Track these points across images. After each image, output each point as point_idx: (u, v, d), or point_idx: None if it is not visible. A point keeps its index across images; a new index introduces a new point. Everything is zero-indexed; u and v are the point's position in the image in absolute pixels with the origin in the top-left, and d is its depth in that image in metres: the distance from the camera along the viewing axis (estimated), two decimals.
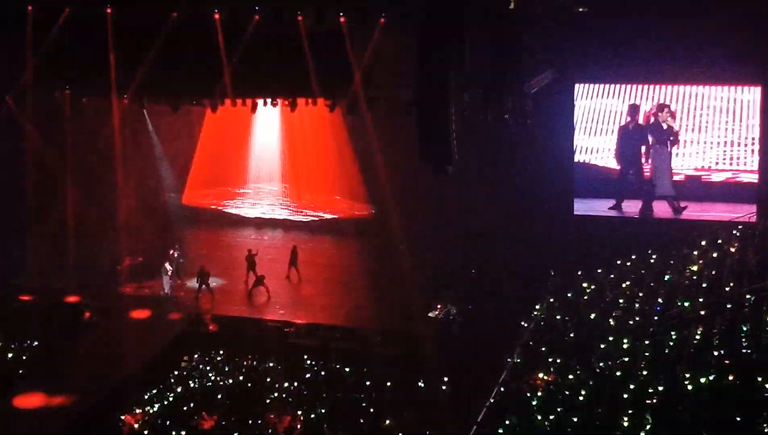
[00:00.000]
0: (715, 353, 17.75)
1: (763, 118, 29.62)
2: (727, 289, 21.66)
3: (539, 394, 19.34)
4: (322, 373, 25.68)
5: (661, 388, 16.82)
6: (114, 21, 28.93)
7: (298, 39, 28.25)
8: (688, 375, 16.86)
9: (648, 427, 15.54)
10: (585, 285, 26.40)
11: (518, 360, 22.58)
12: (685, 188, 31.29)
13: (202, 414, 23.05)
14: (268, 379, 25.26)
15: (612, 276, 26.90)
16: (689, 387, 16.27)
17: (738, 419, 14.59)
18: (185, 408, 23.76)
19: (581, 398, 18.17)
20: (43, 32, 29.55)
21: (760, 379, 15.54)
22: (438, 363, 25.29)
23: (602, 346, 20.68)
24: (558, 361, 20.86)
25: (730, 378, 16.04)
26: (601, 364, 19.60)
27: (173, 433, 22.41)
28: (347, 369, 25.67)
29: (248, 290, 31.75)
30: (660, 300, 22.97)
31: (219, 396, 24.23)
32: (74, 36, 29.43)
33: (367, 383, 24.61)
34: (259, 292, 31.35)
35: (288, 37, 28.27)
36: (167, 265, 31.65)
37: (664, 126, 30.72)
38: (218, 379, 25.57)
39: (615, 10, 28.54)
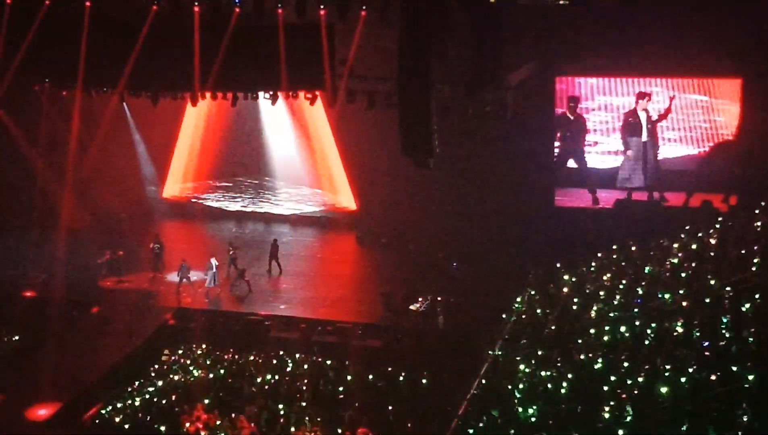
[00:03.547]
0: (696, 345, 17.83)
1: (743, 109, 29.77)
2: (711, 282, 21.71)
3: (520, 386, 19.37)
4: (304, 366, 25.67)
5: (641, 380, 16.88)
6: (93, 14, 28.77)
7: (279, 32, 28.19)
8: (668, 367, 16.91)
9: (628, 419, 15.59)
10: (566, 277, 26.44)
11: (499, 353, 22.60)
12: None
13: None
14: (249, 373, 25.25)
15: (593, 268, 26.96)
16: (669, 379, 16.32)
17: (717, 411, 14.64)
18: (165, 402, 23.73)
19: (562, 391, 18.21)
20: (22, 25, 29.34)
21: (735, 368, 15.60)
22: (419, 356, 25.33)
23: (581, 339, 20.72)
24: (539, 353, 20.90)
25: (710, 370, 16.10)
26: (581, 357, 19.64)
27: (155, 426, 22.35)
28: (329, 362, 25.68)
29: (229, 284, 31.67)
30: (640, 292, 23.03)
31: (200, 390, 24.21)
32: (54, 29, 29.24)
33: (349, 377, 24.62)
34: (240, 286, 31.26)
35: (269, 31, 28.19)
36: (213, 260, 31.08)
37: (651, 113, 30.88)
38: (199, 372, 25.54)
39: (595, 2, 28.61)
